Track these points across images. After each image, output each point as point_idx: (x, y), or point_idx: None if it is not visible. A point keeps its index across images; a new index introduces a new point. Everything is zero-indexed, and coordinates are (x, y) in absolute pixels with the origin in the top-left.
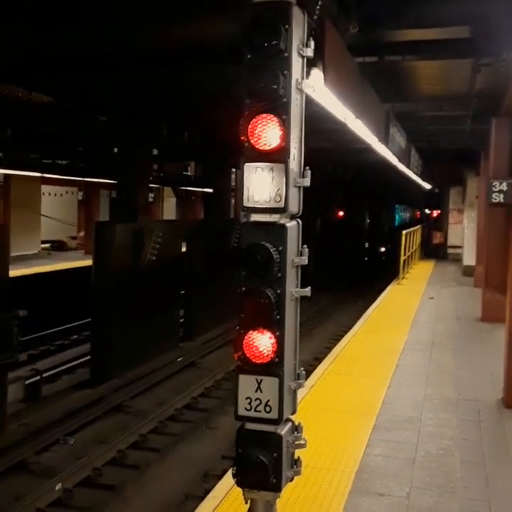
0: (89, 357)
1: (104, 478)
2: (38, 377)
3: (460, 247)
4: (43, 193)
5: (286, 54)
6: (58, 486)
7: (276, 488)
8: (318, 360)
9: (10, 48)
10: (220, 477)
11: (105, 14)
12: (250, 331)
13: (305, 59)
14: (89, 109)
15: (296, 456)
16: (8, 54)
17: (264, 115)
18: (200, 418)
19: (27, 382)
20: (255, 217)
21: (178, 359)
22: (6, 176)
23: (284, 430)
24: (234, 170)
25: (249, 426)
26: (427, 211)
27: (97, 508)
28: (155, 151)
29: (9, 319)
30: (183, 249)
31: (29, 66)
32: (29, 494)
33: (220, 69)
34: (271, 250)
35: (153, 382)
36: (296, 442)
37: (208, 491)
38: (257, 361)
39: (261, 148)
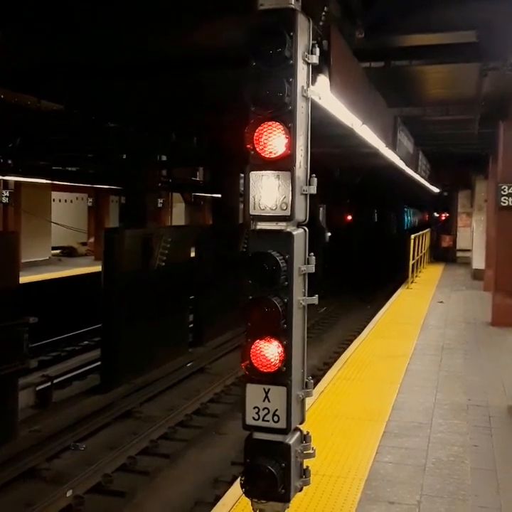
0: (99, 363)
1: (114, 484)
2: (49, 384)
3: (469, 250)
4: (53, 200)
5: (291, 61)
6: (69, 493)
7: (285, 499)
8: (328, 365)
9: (19, 56)
10: (230, 483)
11: (113, 21)
12: (257, 340)
13: (310, 66)
14: (98, 116)
15: (304, 466)
16: (17, 62)
17: (269, 123)
18: (210, 424)
19: (38, 388)
20: (261, 226)
21: (188, 364)
22: (16, 183)
23: (292, 440)
24: (242, 175)
25: (258, 435)
26: (436, 214)
27: None
28: (164, 157)
29: (19, 326)
30: (192, 254)
31: (38, 74)
32: (40, 501)
33: (227, 74)
34: (277, 258)
35: (163, 388)
36: (304, 452)
37: (218, 497)
38: (265, 370)
39: (267, 156)
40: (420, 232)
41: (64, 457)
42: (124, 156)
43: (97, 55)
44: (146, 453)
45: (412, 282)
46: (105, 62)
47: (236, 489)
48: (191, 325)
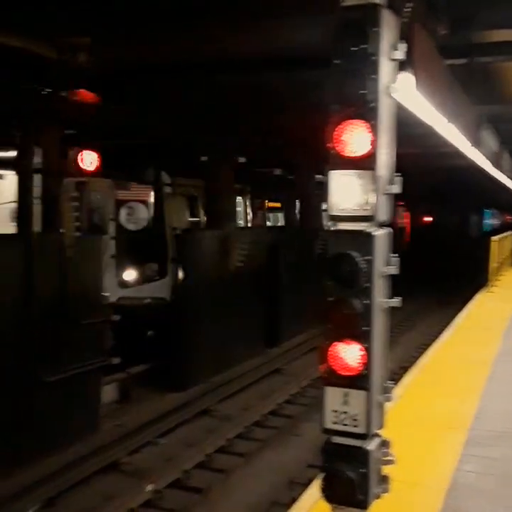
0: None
1: (192, 480)
2: (130, 380)
3: None
4: None
5: (374, 58)
6: (149, 487)
7: (363, 505)
8: (405, 369)
9: (106, 59)
10: (305, 486)
11: (190, 19)
12: (337, 343)
13: (394, 63)
14: (176, 120)
15: (384, 473)
16: (105, 66)
17: (351, 121)
18: (285, 424)
19: (120, 384)
20: (342, 226)
21: (265, 364)
22: None
23: (371, 445)
24: (318, 176)
25: (336, 440)
26: None
27: (185, 510)
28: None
29: (103, 323)
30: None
31: (124, 77)
32: (120, 495)
33: (307, 74)
34: (358, 260)
35: (239, 387)
36: (384, 458)
37: (293, 500)
38: (344, 373)
39: (348, 155)
40: (502, 234)
41: (144, 452)
42: (203, 159)
43: (176, 56)
44: (222, 451)
45: (493, 286)
46: (184, 63)
47: (312, 492)
48: (267, 325)
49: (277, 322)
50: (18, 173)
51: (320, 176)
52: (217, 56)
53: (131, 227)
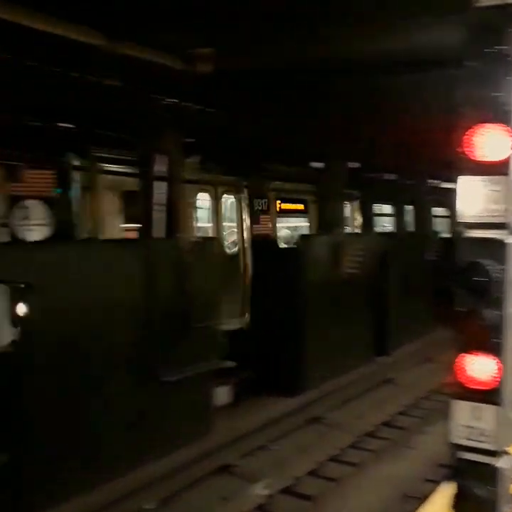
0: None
1: (303, 487)
2: (242, 384)
3: None
4: None
5: (510, 59)
6: (262, 492)
7: None
8: None
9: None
10: (420, 500)
11: (324, 24)
12: (466, 355)
13: None
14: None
15: None
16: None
17: (483, 125)
18: (398, 436)
19: (233, 387)
20: (472, 233)
21: (375, 373)
22: None
23: (501, 463)
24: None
25: (464, 455)
26: None
27: None
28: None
29: (215, 327)
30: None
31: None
32: (234, 497)
33: (426, 77)
34: (490, 268)
35: (349, 395)
36: None
37: None
38: (473, 387)
39: (479, 159)
40: None
41: (256, 456)
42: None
43: (309, 57)
44: (334, 460)
45: None
46: (300, 67)
47: (429, 507)
48: (377, 333)
49: (387, 330)
50: (141, 180)
51: (434, 181)
52: (340, 59)
53: (29, 236)
